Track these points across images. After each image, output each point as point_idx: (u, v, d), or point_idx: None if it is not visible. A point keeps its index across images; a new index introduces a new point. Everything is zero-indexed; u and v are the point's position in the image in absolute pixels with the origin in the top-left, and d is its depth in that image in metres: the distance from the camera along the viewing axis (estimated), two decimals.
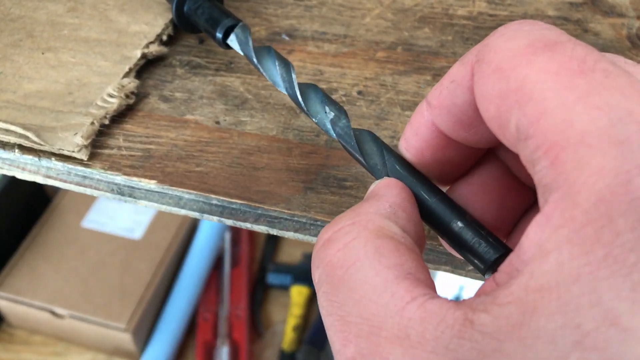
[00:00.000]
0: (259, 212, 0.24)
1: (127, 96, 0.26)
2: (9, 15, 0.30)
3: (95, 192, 0.25)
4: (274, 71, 0.24)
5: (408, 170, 0.20)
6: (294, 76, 0.24)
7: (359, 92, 0.27)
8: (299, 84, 0.24)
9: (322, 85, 0.28)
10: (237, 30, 0.27)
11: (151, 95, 0.27)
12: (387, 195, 0.18)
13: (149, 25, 0.29)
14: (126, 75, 0.27)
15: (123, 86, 0.26)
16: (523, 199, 0.19)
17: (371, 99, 0.27)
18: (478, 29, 0.30)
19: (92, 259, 0.65)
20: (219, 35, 0.27)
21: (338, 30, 0.30)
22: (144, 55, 0.28)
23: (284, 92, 0.24)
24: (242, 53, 0.26)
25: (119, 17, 0.30)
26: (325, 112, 0.23)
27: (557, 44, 0.15)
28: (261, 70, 0.25)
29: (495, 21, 0.30)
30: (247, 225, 0.24)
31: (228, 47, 0.27)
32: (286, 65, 0.24)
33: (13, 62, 0.28)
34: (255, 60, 0.25)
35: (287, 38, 0.30)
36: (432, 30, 0.30)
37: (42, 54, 0.28)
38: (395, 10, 0.31)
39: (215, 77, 0.28)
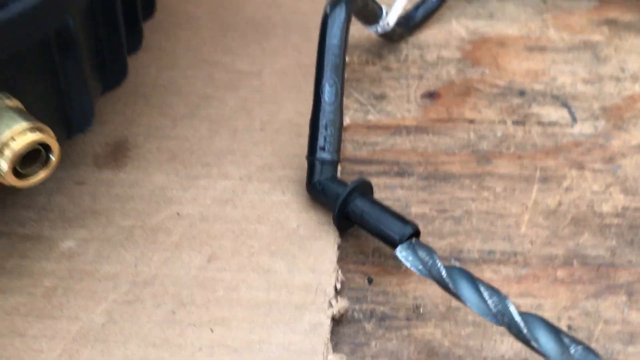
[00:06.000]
0: None
1: None
2: (139, 275, 0.26)
3: None
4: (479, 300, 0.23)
5: None
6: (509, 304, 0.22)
7: (569, 327, 0.26)
8: (520, 314, 0.22)
9: None
10: (419, 251, 0.25)
11: None
12: None
13: (315, 273, 0.26)
14: (327, 351, 0.24)
15: None
16: None
17: (587, 335, 0.25)
18: (635, 229, 0.30)
19: None
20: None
21: (503, 247, 0.29)
22: (333, 318, 0.25)
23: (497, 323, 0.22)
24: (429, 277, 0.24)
25: (275, 265, 0.26)
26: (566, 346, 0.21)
27: None
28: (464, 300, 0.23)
29: None
30: None
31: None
32: (496, 292, 0.23)
33: (182, 349, 0.23)
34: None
35: (457, 263, 0.28)
36: (593, 236, 0.29)
37: (211, 331, 0.24)
38: (544, 213, 0.30)
39: (410, 329, 0.25)
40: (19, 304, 0.25)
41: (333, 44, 0.29)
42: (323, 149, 0.28)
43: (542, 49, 0.40)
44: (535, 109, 0.36)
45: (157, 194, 0.29)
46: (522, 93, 0.37)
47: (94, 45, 0.26)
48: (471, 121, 0.35)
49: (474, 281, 0.23)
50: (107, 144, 0.31)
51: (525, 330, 0.21)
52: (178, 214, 0.28)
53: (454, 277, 0.23)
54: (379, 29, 0.36)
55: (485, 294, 0.23)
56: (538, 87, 0.37)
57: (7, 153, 0.19)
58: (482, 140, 0.34)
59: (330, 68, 0.28)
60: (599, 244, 0.29)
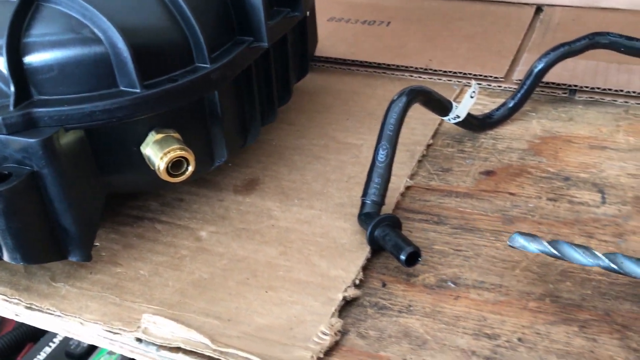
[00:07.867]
0: None
1: (335, 334, 0.34)
2: (235, 256, 0.40)
3: None
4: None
5: None
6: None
7: (519, 339, 0.34)
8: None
9: (486, 331, 0.34)
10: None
11: (350, 332, 0.35)
12: None
13: (344, 271, 0.38)
14: (333, 315, 0.35)
15: (332, 325, 0.34)
16: None
17: (530, 346, 0.33)
18: (612, 285, 0.36)
19: None
20: (402, 257, 0.36)
21: (494, 280, 0.37)
22: (344, 298, 0.36)
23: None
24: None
25: (320, 262, 0.39)
26: None
27: None
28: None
29: (627, 277, 0.37)
30: None
31: (410, 265, 0.36)
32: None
33: (245, 298, 0.37)
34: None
35: (452, 285, 0.37)
36: (573, 285, 0.37)
37: (266, 292, 0.37)
38: (539, 263, 0.38)
39: (398, 318, 0.36)
40: (164, 261, 0.40)
41: (390, 122, 0.41)
42: (372, 193, 0.40)
43: (603, 148, 0.48)
44: (573, 191, 0.44)
45: (264, 212, 0.43)
46: (566, 179, 0.45)
47: (237, 114, 0.43)
48: (512, 194, 0.44)
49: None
50: (244, 179, 0.47)
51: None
52: (272, 225, 0.42)
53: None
54: (451, 119, 0.48)
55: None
56: (583, 175, 0.45)
57: (165, 159, 0.35)
58: (514, 208, 0.43)
59: (384, 138, 0.41)
60: (575, 291, 0.36)
